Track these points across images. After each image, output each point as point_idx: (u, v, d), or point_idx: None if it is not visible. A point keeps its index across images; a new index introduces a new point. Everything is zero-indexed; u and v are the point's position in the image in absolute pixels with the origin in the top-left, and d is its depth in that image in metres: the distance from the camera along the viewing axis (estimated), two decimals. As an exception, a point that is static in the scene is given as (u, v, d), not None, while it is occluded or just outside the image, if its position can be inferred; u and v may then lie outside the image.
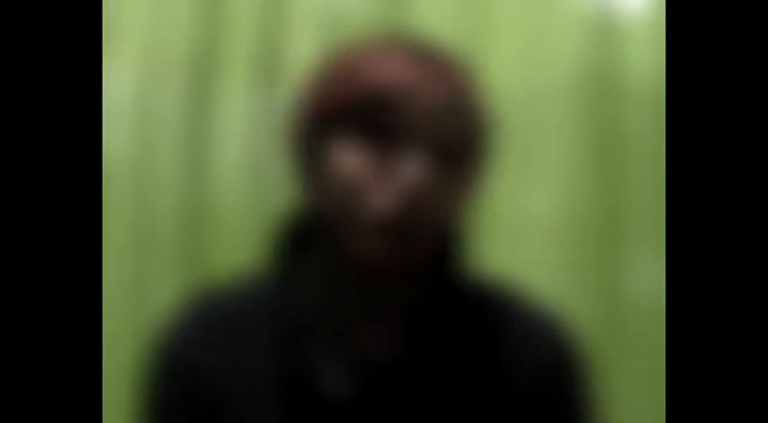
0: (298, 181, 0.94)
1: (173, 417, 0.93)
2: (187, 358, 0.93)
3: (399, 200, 0.85)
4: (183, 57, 1.66)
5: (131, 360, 1.61)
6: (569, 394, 0.97)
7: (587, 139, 1.58)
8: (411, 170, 0.85)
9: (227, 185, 1.62)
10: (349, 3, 1.63)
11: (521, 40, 1.60)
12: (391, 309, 0.93)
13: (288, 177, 0.96)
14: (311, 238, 0.96)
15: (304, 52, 1.62)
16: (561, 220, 1.57)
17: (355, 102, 0.87)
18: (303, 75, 0.96)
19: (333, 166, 0.87)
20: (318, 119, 0.90)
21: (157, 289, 1.63)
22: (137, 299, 1.62)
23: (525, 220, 1.58)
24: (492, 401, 0.92)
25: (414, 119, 0.86)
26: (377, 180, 0.86)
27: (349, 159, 0.86)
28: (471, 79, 0.91)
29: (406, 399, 0.91)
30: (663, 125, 1.56)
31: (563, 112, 1.58)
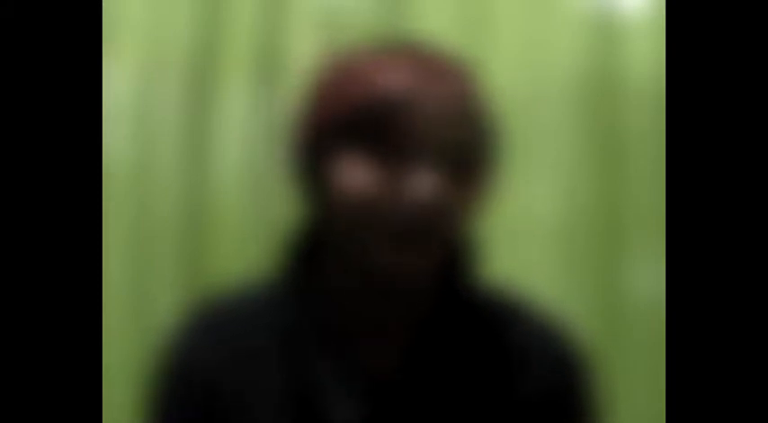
0: (301, 193, 0.92)
1: (174, 422, 0.93)
2: (190, 364, 0.93)
3: (412, 214, 0.83)
4: (183, 57, 1.66)
5: (131, 360, 1.61)
6: (575, 403, 0.96)
7: (587, 140, 1.58)
8: (422, 182, 0.83)
9: (227, 186, 1.62)
10: (349, 3, 1.63)
11: (521, 40, 1.60)
12: (399, 320, 0.92)
13: (289, 186, 0.94)
14: (318, 247, 0.94)
15: (304, 52, 1.63)
16: (561, 221, 1.57)
17: (360, 112, 0.84)
18: (303, 82, 0.92)
19: (339, 180, 0.85)
20: (321, 130, 0.87)
21: (157, 289, 1.63)
22: (137, 299, 1.62)
23: (525, 221, 1.58)
24: (498, 410, 0.92)
25: (421, 128, 0.83)
26: (387, 194, 0.83)
27: (356, 173, 0.84)
28: (475, 83, 0.89)
29: (412, 411, 0.90)
30: (663, 125, 1.56)
31: (563, 113, 1.58)
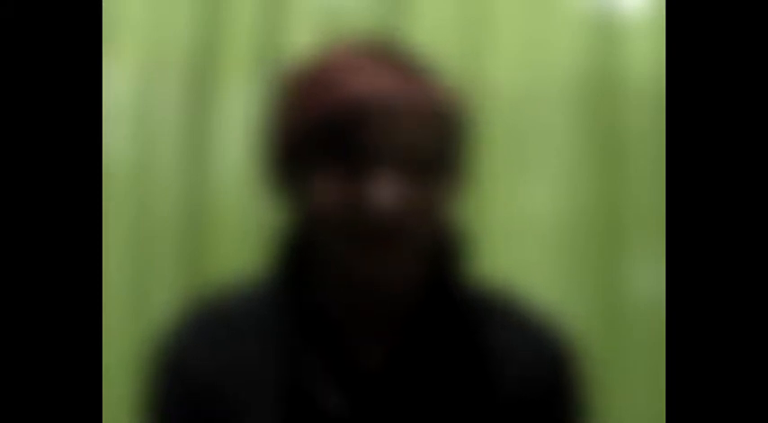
0: (279, 199, 0.93)
1: (172, 419, 0.93)
2: (185, 363, 0.93)
3: (378, 218, 0.83)
4: (183, 57, 1.66)
5: (131, 359, 1.61)
6: (567, 400, 0.96)
7: (587, 140, 1.58)
8: (386, 186, 0.83)
9: (227, 186, 1.62)
10: (349, 3, 1.63)
11: (521, 40, 1.60)
12: (389, 318, 0.92)
13: (268, 193, 0.94)
14: (306, 247, 0.95)
15: (304, 52, 1.63)
16: (561, 221, 1.57)
17: (325, 119, 0.84)
18: (275, 90, 0.92)
19: (310, 187, 0.85)
20: (290, 137, 0.87)
21: (157, 289, 1.63)
22: (137, 299, 1.62)
23: (525, 221, 1.58)
24: (490, 408, 0.92)
25: (385, 132, 0.83)
26: (354, 199, 0.84)
27: (324, 180, 0.84)
28: (443, 83, 0.89)
29: (402, 408, 0.90)
30: (663, 125, 1.56)
31: (563, 113, 1.58)
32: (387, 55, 0.88)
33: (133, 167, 1.64)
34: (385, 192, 0.83)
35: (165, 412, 0.94)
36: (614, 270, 1.57)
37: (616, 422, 1.53)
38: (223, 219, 1.61)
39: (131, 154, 1.64)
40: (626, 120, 1.57)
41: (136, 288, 1.62)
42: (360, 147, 0.84)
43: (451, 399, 0.91)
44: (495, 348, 0.94)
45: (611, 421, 1.52)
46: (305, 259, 0.94)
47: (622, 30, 1.58)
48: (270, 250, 0.97)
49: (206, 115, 1.64)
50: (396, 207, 0.83)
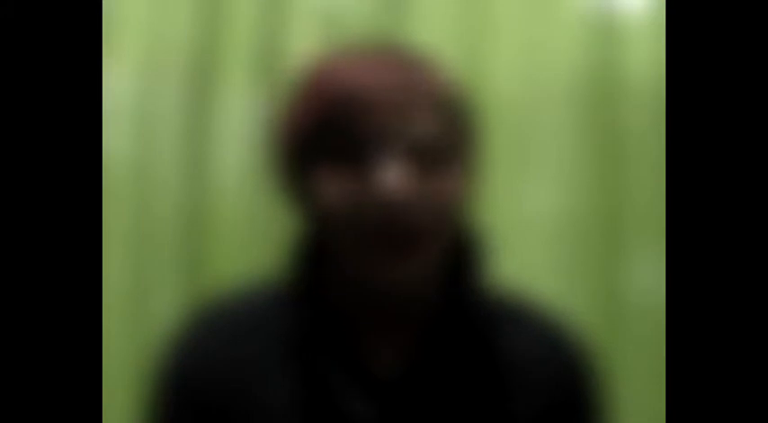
0: (290, 202, 0.92)
1: None
2: (191, 368, 0.92)
3: (385, 214, 0.82)
4: (183, 57, 1.66)
5: (131, 361, 1.61)
6: (586, 404, 0.96)
7: (587, 140, 1.58)
8: (396, 174, 0.82)
9: (227, 185, 1.62)
10: (349, 3, 1.63)
11: (521, 40, 1.60)
12: (404, 323, 0.92)
13: (279, 196, 0.94)
14: (319, 250, 0.94)
15: (304, 52, 1.63)
16: (561, 221, 1.57)
17: (326, 118, 0.84)
18: (286, 91, 0.93)
19: (318, 188, 0.85)
20: (297, 140, 0.87)
21: (157, 289, 1.63)
22: (137, 299, 1.62)
23: (525, 221, 1.58)
24: (509, 414, 0.92)
25: (386, 126, 0.83)
26: (361, 199, 0.83)
27: (331, 180, 0.84)
28: (444, 77, 0.89)
29: (420, 414, 0.90)
30: (663, 125, 1.56)
31: (563, 113, 1.58)
32: (385, 51, 0.88)
33: (133, 167, 1.64)
34: (391, 180, 0.82)
35: (167, 419, 0.93)
36: (614, 270, 1.57)
37: (616, 422, 1.53)
38: (223, 219, 1.61)
39: (131, 154, 1.64)
40: (626, 120, 1.57)
41: (136, 288, 1.62)
42: (363, 140, 0.83)
43: (470, 405, 0.90)
44: (513, 354, 0.93)
45: (611, 421, 1.52)
46: (319, 264, 0.93)
47: (622, 30, 1.58)
48: (283, 256, 0.96)
49: (206, 115, 1.64)
50: (404, 194, 0.82)
